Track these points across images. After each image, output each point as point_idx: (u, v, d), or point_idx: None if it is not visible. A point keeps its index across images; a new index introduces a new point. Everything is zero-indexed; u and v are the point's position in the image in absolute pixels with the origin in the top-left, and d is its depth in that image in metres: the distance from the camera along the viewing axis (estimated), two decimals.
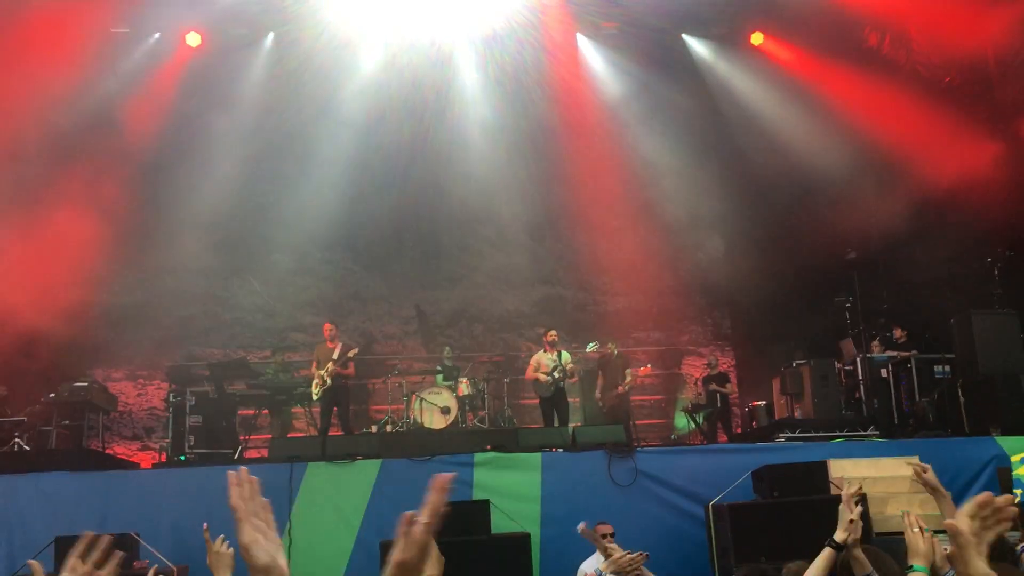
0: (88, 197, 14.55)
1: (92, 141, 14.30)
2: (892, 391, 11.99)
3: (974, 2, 12.11)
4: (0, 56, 12.54)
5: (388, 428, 13.69)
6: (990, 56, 12.56)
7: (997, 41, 12.26)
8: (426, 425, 13.23)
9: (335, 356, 12.50)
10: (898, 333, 12.60)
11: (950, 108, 12.81)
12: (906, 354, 12.17)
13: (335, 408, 12.85)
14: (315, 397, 12.66)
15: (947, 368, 11.70)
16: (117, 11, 14.15)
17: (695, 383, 15.21)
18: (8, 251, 12.86)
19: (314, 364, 12.82)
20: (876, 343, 12.64)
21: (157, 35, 15.04)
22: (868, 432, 10.85)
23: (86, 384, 11.83)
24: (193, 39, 15.05)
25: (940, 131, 12.52)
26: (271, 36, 15.53)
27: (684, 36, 15.96)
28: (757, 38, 15.58)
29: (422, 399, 13.45)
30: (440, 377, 14.24)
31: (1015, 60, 12.29)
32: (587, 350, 13.09)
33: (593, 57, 16.34)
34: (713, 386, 14.44)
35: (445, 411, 13.42)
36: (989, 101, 12.85)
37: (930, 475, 4.16)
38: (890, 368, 11.98)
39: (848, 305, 12.64)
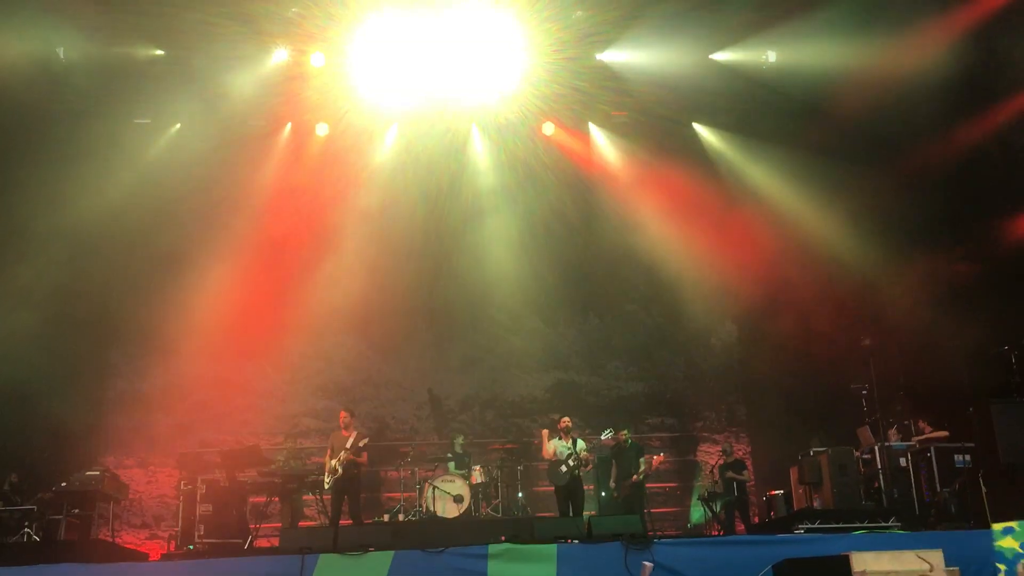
0: (103, 282, 14.78)
1: (117, 227, 14.58)
2: (912, 480, 11.79)
3: None
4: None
5: (400, 517, 13.53)
6: None
7: None
8: (439, 514, 13.07)
9: (348, 445, 12.40)
10: (926, 428, 12.45)
11: (960, 195, 12.92)
12: (941, 433, 11.95)
13: (345, 497, 12.68)
14: (326, 486, 12.51)
15: (967, 457, 11.51)
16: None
17: (711, 471, 15.02)
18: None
19: (328, 452, 12.70)
20: (893, 431, 12.49)
21: (177, 125, 15.38)
22: (889, 523, 10.64)
23: (97, 473, 11.79)
24: (213, 128, 15.34)
25: (959, 210, 12.63)
26: (289, 125, 15.86)
27: (695, 124, 16.21)
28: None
29: (435, 487, 13.31)
30: (452, 465, 14.10)
31: None
32: (602, 438, 12.99)
33: (604, 144, 16.59)
34: (729, 474, 14.27)
35: (458, 500, 13.27)
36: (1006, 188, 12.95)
37: None
38: (909, 457, 11.81)
39: (864, 392, 12.53)
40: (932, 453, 11.90)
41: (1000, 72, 12.81)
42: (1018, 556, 3.51)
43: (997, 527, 3.32)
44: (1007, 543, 3.53)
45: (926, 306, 13.03)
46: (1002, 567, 3.47)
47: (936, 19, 12.59)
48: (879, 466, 11.97)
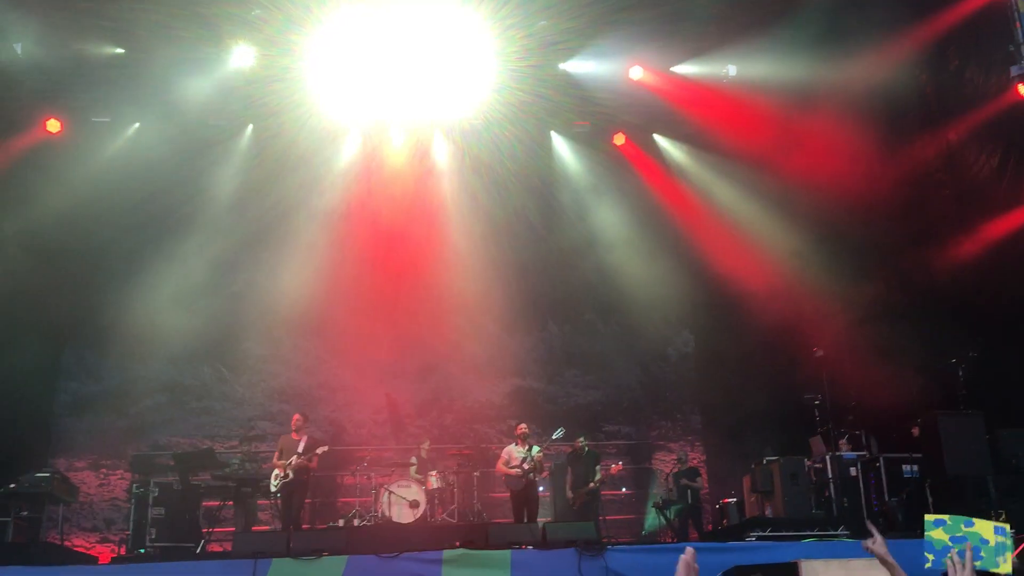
0: (56, 283, 14.58)
1: (73, 227, 14.40)
2: (861, 490, 12.01)
3: None
4: None
5: (356, 522, 13.47)
6: None
7: None
8: (395, 519, 13.05)
9: (300, 449, 12.32)
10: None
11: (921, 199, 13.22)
12: None
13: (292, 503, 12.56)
14: (273, 489, 12.42)
15: (915, 468, 11.76)
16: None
17: (665, 478, 15.15)
18: None
19: (276, 454, 12.59)
20: (844, 441, 12.70)
21: (136, 124, 15.22)
22: (838, 532, 10.83)
23: (47, 475, 11.58)
24: (171, 129, 15.22)
25: (906, 229, 12.90)
26: (250, 128, 15.78)
27: (655, 136, 16.40)
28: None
29: (390, 492, 13.29)
30: (413, 469, 14.10)
31: None
32: (553, 438, 13.03)
33: (565, 152, 16.72)
34: (684, 481, 14.40)
35: (414, 505, 13.27)
36: (954, 201, 13.27)
37: (879, 546, 4.16)
38: (859, 467, 12.03)
39: (817, 403, 12.73)
40: (881, 463, 12.15)
41: (950, 91, 13.13)
42: (946, 548, 3.63)
43: (929, 518, 3.43)
44: (937, 534, 3.66)
45: (877, 320, 13.30)
46: (930, 556, 3.59)
47: (891, 37, 12.87)
48: (830, 475, 12.18)
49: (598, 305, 17.36)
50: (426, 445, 14.72)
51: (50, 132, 14.84)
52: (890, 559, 4.16)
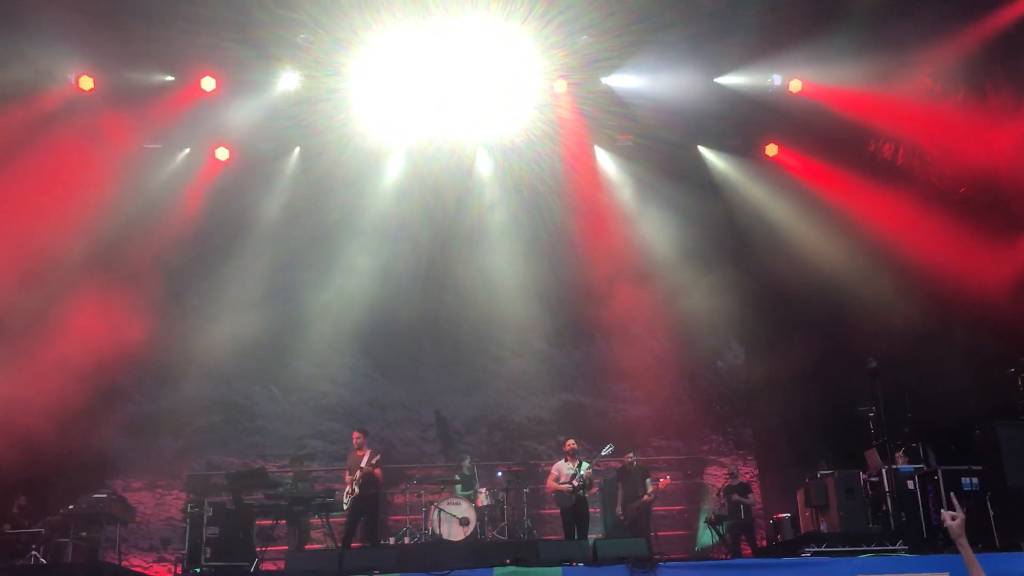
0: (111, 305, 14.84)
1: (126, 252, 14.66)
2: (919, 503, 11.74)
3: (984, 117, 12.37)
4: (41, 173, 13.02)
5: (406, 540, 13.51)
6: (1002, 169, 12.74)
7: (1009, 155, 12.47)
8: (445, 537, 13.05)
9: (363, 463, 12.49)
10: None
11: (966, 218, 12.93)
12: None
13: (362, 518, 12.66)
14: (344, 506, 12.57)
15: (975, 480, 11.47)
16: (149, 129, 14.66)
17: (717, 494, 14.98)
18: (29, 360, 13.05)
19: (347, 473, 12.78)
20: (900, 454, 12.44)
21: (187, 150, 15.52)
22: (896, 547, 10.61)
23: (105, 496, 11.81)
24: (222, 153, 15.53)
25: (958, 242, 12.62)
26: (297, 149, 16.01)
27: (700, 148, 16.30)
28: (771, 149, 15.94)
29: (440, 510, 13.31)
30: (459, 487, 14.11)
31: None
32: (602, 454, 12.97)
33: (610, 167, 16.68)
34: (735, 496, 14.23)
35: (464, 522, 13.26)
36: (1004, 212, 12.97)
37: (957, 524, 4.03)
38: (917, 480, 11.76)
39: (871, 415, 12.49)
40: (940, 476, 11.86)
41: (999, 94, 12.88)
42: None
43: None
44: None
45: (932, 328, 13.04)
46: None
47: (938, 42, 12.68)
48: (886, 489, 11.92)
49: (645, 319, 17.25)
50: (467, 462, 14.73)
51: (104, 158, 15.15)
52: (968, 549, 4.00)
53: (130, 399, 16.55)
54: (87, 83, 13.75)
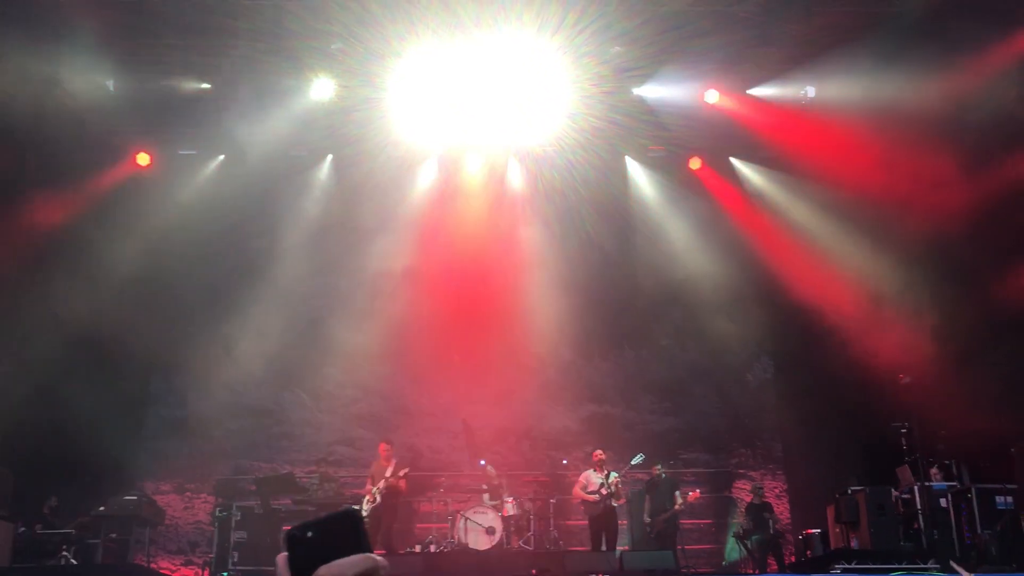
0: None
1: (157, 257, 14.85)
2: (952, 521, 11.56)
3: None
4: None
5: (432, 548, 13.51)
6: None
7: None
8: (471, 546, 13.04)
9: (388, 474, 12.52)
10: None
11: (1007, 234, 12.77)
12: None
13: (380, 526, 12.73)
14: (364, 514, 12.61)
15: (1009, 499, 11.28)
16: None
17: (744, 510, 14.85)
18: None
19: (368, 480, 12.82)
20: (934, 471, 12.26)
21: (221, 156, 15.69)
22: (928, 565, 10.45)
23: (135, 498, 11.93)
24: (254, 161, 15.66)
25: (998, 258, 12.47)
26: (329, 157, 16.14)
27: (732, 159, 16.22)
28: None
29: (467, 519, 13.30)
30: (487, 496, 14.10)
31: None
32: (632, 463, 12.90)
33: (640, 177, 16.64)
34: (765, 515, 14.09)
35: (490, 532, 13.25)
36: None
37: None
38: (950, 498, 11.58)
39: (904, 431, 12.33)
40: (973, 494, 11.68)
41: None
42: None
43: None
44: None
45: (966, 345, 12.85)
46: None
47: (976, 54, 12.52)
48: (919, 506, 11.75)
49: (675, 330, 17.16)
50: (491, 469, 14.71)
51: (140, 165, 15.38)
52: None
53: (162, 403, 16.70)
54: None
